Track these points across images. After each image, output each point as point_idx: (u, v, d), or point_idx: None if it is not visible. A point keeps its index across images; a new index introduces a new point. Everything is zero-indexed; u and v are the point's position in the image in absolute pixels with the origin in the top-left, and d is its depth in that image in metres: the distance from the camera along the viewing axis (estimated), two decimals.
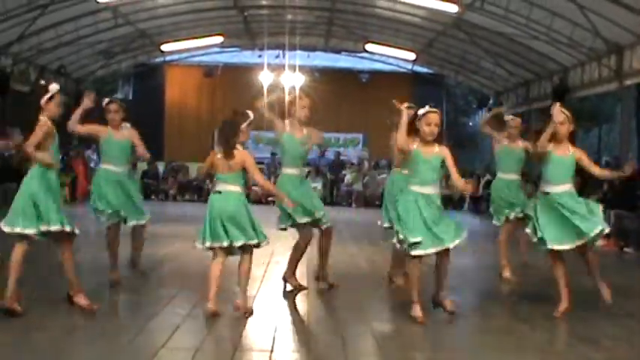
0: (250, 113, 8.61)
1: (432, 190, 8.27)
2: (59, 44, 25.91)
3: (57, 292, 9.28)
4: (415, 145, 8.29)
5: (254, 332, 7.62)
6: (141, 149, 10.11)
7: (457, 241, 8.16)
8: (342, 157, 33.42)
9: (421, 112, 8.41)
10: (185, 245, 14.44)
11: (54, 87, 8.13)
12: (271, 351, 6.88)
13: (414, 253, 8.16)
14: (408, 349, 7.19)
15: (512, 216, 11.62)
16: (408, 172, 8.58)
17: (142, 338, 7.30)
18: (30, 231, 7.86)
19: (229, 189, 8.25)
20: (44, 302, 8.75)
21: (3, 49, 24.40)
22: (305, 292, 9.81)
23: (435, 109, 8.37)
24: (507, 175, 11.83)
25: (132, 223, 10.17)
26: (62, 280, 10.15)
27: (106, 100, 10.30)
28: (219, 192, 8.29)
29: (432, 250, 8.20)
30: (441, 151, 8.29)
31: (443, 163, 8.29)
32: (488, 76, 30.71)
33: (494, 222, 11.96)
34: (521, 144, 11.68)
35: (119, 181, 10.02)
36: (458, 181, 8.16)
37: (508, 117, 12.23)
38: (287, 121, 10.07)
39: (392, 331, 8.03)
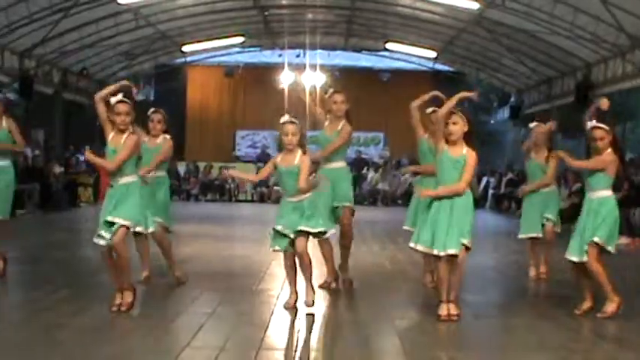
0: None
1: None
2: (82, 46, 26.05)
3: (83, 291, 9.35)
4: (445, 146, 8.25)
5: (278, 332, 7.63)
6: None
7: (450, 251, 8.03)
8: (363, 156, 33.46)
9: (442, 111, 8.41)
10: (208, 245, 14.50)
11: (113, 99, 8.22)
12: (295, 350, 6.89)
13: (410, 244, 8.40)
14: (432, 348, 7.17)
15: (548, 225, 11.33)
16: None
17: (167, 337, 7.33)
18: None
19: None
20: (70, 300, 8.81)
21: (27, 52, 24.55)
22: (328, 291, 9.82)
23: (454, 111, 8.27)
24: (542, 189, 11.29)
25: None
26: (89, 279, 10.24)
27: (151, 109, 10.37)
28: None
29: (420, 248, 8.29)
30: (468, 154, 8.21)
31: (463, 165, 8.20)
32: (510, 73, 30.65)
33: (521, 236, 11.48)
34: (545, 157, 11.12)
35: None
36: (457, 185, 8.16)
37: (533, 124, 11.72)
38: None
39: (415, 329, 8.01)
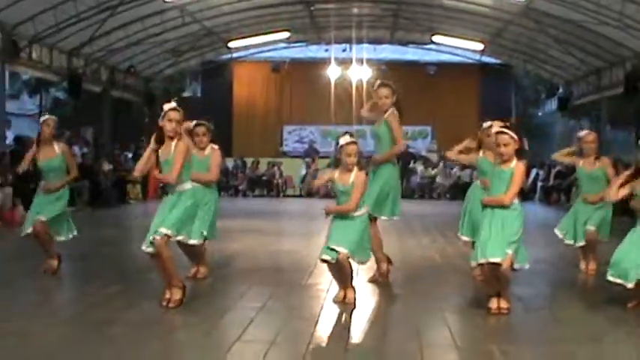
0: None
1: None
2: (128, 44, 26.20)
3: (133, 287, 9.42)
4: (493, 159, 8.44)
5: (328, 325, 7.63)
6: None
7: (496, 259, 7.97)
8: (410, 150, 33.37)
9: (493, 130, 8.53)
10: (256, 240, 14.53)
11: (166, 107, 8.26)
12: (346, 344, 6.89)
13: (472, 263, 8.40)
14: (483, 342, 7.14)
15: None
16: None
17: (217, 332, 7.36)
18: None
19: None
20: (120, 296, 8.87)
21: (75, 51, 24.76)
22: (377, 284, 9.79)
23: (502, 129, 8.24)
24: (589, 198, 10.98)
25: None
26: (138, 275, 10.31)
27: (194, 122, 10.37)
28: None
29: (474, 263, 8.32)
30: (516, 167, 8.15)
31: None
32: (558, 64, 30.37)
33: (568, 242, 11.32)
34: (598, 163, 10.89)
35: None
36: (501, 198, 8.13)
37: (582, 132, 11.43)
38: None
39: (466, 322, 7.96)
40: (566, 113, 33.80)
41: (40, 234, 10.38)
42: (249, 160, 32.33)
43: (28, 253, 11.86)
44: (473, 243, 9.19)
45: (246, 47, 33.00)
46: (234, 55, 34.07)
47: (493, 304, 8.08)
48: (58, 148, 10.56)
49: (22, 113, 37.18)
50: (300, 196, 31.45)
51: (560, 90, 33.02)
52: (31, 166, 10.66)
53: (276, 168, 32.05)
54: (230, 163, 32.10)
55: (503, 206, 8.09)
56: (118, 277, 10.18)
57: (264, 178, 31.55)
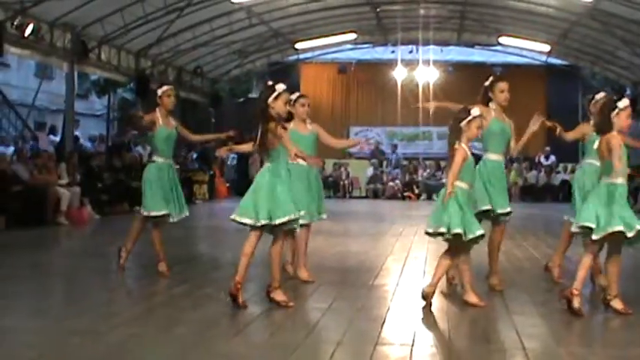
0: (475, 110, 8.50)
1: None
2: (195, 45, 26.40)
3: (199, 286, 9.46)
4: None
5: (394, 326, 7.59)
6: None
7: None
8: (476, 152, 33.19)
9: (620, 105, 8.32)
10: (324, 240, 14.52)
11: (280, 86, 8.27)
12: (412, 345, 6.85)
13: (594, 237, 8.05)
14: (552, 344, 7.06)
15: None
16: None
17: (283, 333, 7.36)
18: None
19: None
20: (186, 297, 8.92)
21: (142, 52, 25.01)
22: (442, 285, 9.71)
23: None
24: None
25: None
26: (203, 275, 10.36)
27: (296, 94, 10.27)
28: None
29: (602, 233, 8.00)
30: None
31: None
32: (625, 66, 30.01)
33: None
34: None
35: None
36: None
37: None
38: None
39: (534, 325, 7.86)
40: (634, 115, 33.32)
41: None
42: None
43: (95, 251, 12.02)
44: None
45: (312, 48, 33.10)
46: (301, 56, 34.18)
47: (617, 304, 8.10)
48: (173, 120, 10.62)
49: (90, 113, 37.59)
50: (367, 197, 31.44)
51: (628, 91, 32.61)
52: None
53: (342, 169, 32.09)
54: None
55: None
56: (183, 277, 10.24)
57: (330, 179, 31.59)
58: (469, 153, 8.43)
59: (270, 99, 8.18)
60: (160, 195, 10.29)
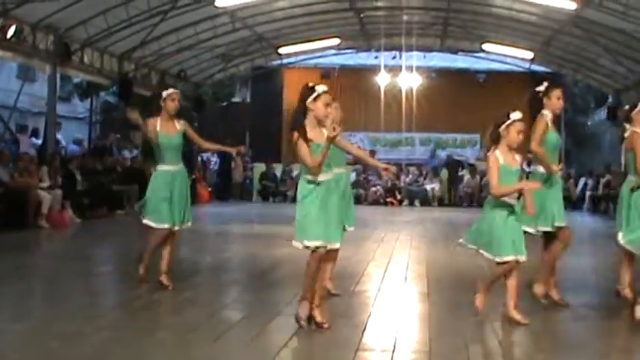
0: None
1: None
2: (179, 49, 26.36)
3: (179, 291, 9.46)
4: None
5: (376, 332, 7.60)
6: None
7: None
8: (458, 158, 33.35)
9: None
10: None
11: (320, 87, 7.96)
12: (393, 351, 6.85)
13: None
14: (533, 351, 7.09)
15: None
16: None
17: (263, 338, 7.36)
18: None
19: None
20: (167, 301, 8.92)
21: (126, 55, 24.96)
22: (425, 292, 9.71)
23: None
24: None
25: None
26: (184, 279, 10.35)
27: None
28: None
29: None
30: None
31: None
32: (608, 73, 30.14)
33: None
34: None
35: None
36: None
37: None
38: None
39: (517, 333, 7.87)
40: (616, 123, 33.53)
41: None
42: (297, 167, 32.38)
43: (76, 254, 11.99)
44: None
45: (296, 53, 33.07)
46: (284, 61, 34.14)
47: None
48: (179, 125, 10.13)
49: (72, 116, 37.47)
50: None
51: (610, 99, 32.77)
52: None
53: None
54: (279, 169, 32.24)
55: None
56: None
57: None
58: (501, 160, 7.96)
59: (309, 100, 7.83)
60: (163, 206, 9.84)
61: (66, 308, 8.35)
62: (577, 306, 8.97)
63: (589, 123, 43.19)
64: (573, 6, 22.10)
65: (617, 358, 6.96)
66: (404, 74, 32.71)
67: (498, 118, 8.14)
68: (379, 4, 27.76)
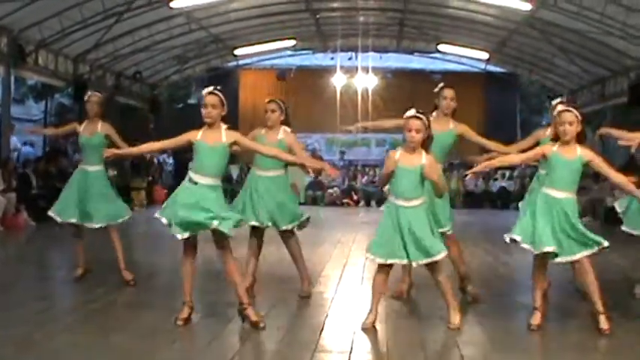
0: None
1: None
2: (135, 50, 26.24)
3: (136, 293, 9.42)
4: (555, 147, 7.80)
5: (333, 334, 7.61)
6: None
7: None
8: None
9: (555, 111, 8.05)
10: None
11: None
12: (350, 352, 6.88)
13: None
14: (491, 352, 7.11)
15: None
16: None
17: (220, 341, 7.35)
18: None
19: None
20: (123, 304, 8.87)
21: (80, 57, 24.79)
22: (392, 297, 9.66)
23: (568, 108, 7.75)
24: None
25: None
26: (141, 282, 10.29)
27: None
28: None
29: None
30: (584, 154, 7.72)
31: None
32: (562, 74, 30.38)
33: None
34: None
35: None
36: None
37: None
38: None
39: (474, 334, 7.88)
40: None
41: None
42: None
43: (31, 258, 11.88)
44: None
45: (252, 55, 33.03)
46: (240, 62, 34.07)
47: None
48: (102, 127, 10.31)
49: (27, 118, 37.17)
50: (306, 203, 31.47)
51: (563, 98, 33.02)
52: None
53: None
54: (235, 170, 32.14)
55: None
56: (120, 284, 10.15)
57: None
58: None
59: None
60: (69, 201, 10.20)
61: (20, 313, 8.27)
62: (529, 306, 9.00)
63: (543, 123, 43.52)
64: (528, 7, 22.24)
65: (594, 356, 7.00)
66: (360, 75, 32.76)
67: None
68: (335, 5, 27.82)
